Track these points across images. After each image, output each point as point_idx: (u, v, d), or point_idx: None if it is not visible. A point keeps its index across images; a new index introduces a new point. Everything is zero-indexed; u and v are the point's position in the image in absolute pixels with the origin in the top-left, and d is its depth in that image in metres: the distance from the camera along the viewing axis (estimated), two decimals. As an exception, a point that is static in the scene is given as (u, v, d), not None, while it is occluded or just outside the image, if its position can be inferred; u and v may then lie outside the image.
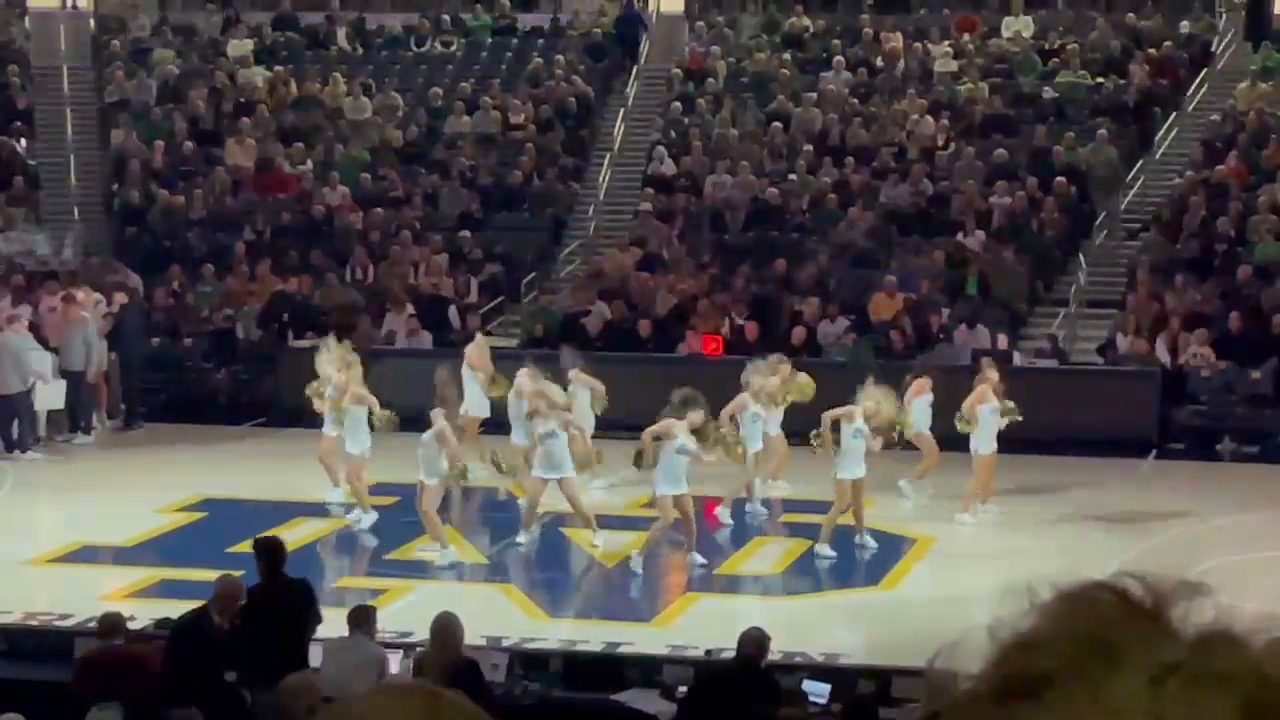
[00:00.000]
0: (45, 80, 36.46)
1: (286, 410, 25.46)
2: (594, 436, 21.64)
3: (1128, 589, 1.46)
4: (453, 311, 29.10)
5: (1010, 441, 21.68)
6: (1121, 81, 34.19)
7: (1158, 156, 32.80)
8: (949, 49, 35.53)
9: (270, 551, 14.75)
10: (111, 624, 14.45)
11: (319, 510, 21.55)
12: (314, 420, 22.30)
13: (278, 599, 14.37)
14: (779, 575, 19.98)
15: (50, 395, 25.67)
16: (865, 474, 20.04)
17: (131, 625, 14.99)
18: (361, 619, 14.76)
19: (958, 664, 1.48)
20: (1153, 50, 34.83)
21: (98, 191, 34.36)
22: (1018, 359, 27.09)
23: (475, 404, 23.22)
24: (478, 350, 23.93)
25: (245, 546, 19.95)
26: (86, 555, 20.09)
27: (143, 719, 13.44)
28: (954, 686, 1.47)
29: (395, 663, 14.78)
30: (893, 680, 15.37)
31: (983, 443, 21.29)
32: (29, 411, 25.18)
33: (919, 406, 22.09)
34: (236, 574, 15.24)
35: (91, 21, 38.11)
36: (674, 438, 19.20)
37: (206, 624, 14.17)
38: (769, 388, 21.55)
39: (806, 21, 37.29)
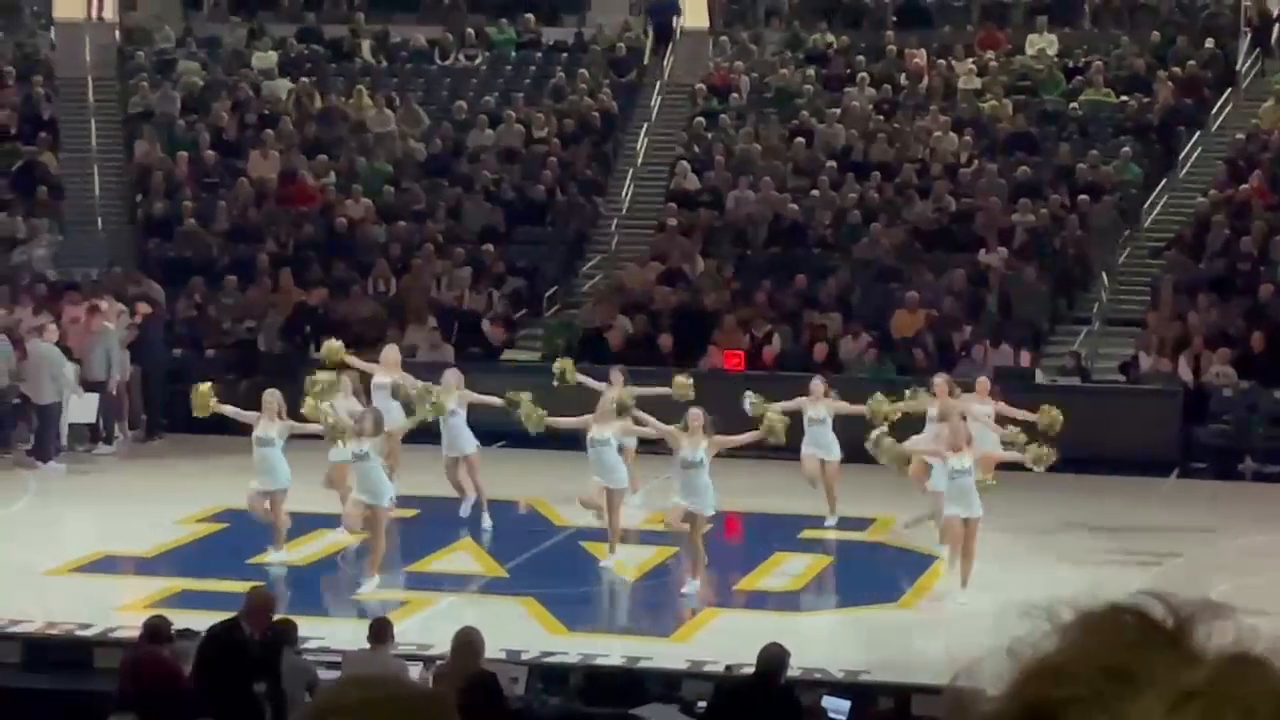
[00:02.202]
0: (70, 91, 36.54)
1: (308, 422, 25.38)
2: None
3: (1149, 611, 1.45)
4: (486, 325, 29.12)
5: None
6: (1146, 100, 34.10)
7: (1181, 175, 32.75)
8: (972, 66, 35.47)
9: None
10: (155, 629, 14.54)
11: (338, 523, 21.53)
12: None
13: None
14: (799, 591, 19.95)
15: (81, 409, 25.66)
16: (972, 515, 18.80)
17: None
18: (382, 632, 14.81)
19: (978, 684, 1.48)
20: (1177, 69, 34.75)
21: (121, 202, 34.43)
22: (1040, 377, 27.04)
23: (391, 415, 21.84)
24: (392, 355, 23.03)
25: (266, 558, 20.14)
26: (107, 565, 20.12)
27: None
28: (975, 707, 1.47)
29: (415, 675, 14.79)
30: (912, 698, 15.35)
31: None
32: (55, 422, 25.22)
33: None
34: (261, 585, 15.27)
35: (117, 33, 38.19)
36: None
37: (237, 635, 14.21)
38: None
39: (830, 38, 37.25)
